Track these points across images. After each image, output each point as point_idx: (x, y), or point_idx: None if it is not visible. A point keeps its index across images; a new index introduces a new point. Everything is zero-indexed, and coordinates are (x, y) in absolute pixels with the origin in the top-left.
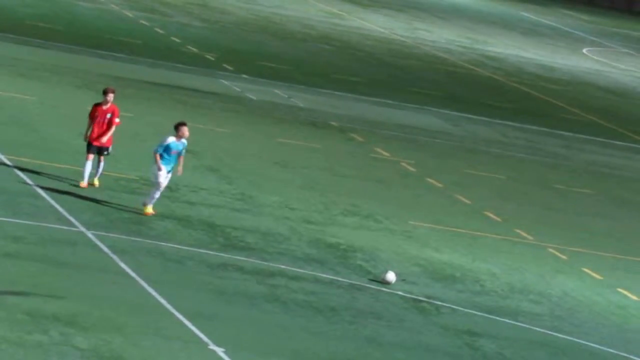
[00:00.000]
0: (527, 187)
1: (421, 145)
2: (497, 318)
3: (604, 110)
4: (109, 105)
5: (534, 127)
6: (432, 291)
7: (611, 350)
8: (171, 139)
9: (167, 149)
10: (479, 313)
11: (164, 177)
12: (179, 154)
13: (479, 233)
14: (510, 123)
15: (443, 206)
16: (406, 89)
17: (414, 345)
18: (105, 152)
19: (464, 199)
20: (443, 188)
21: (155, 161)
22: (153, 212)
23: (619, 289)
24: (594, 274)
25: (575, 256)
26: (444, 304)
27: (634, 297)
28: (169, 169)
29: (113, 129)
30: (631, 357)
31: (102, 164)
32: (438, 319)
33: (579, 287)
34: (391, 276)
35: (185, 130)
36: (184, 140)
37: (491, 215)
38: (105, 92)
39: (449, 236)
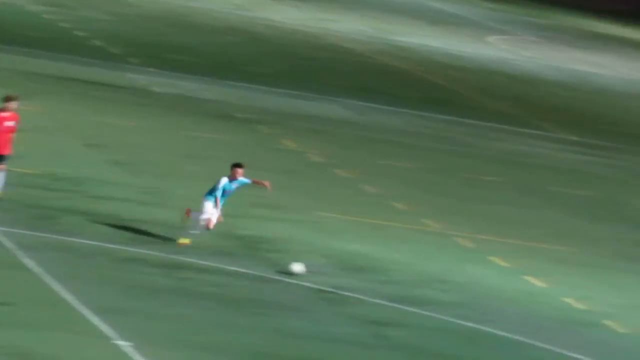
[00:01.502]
0: (434, 177)
1: (328, 136)
2: (405, 307)
3: (510, 98)
4: (11, 113)
5: (442, 116)
6: (339, 281)
7: (518, 338)
8: (224, 180)
9: (222, 191)
10: (387, 303)
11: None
12: (231, 193)
13: (386, 223)
14: (418, 112)
15: (350, 196)
16: (313, 79)
17: (322, 336)
18: (5, 161)
19: (371, 189)
20: (350, 178)
21: (216, 204)
22: (187, 242)
23: (526, 276)
24: (500, 262)
25: (482, 244)
26: (352, 294)
27: (540, 284)
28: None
29: (13, 135)
30: (537, 344)
31: (3, 173)
32: (346, 309)
33: (486, 275)
34: (298, 267)
35: (237, 173)
36: (241, 178)
37: (398, 205)
38: (8, 100)
39: (356, 226)
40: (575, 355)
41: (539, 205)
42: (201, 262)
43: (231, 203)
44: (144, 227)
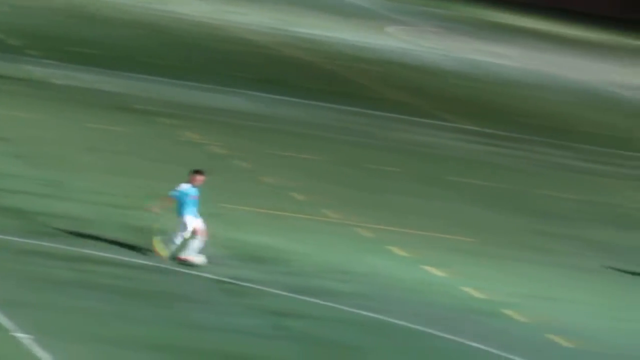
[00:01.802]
0: (336, 168)
1: (231, 128)
2: (305, 298)
3: (412, 89)
4: None
5: (344, 107)
6: (240, 272)
7: (418, 327)
8: (185, 186)
9: (185, 196)
10: (287, 293)
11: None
12: (196, 200)
13: (287, 214)
14: (320, 104)
15: (251, 188)
16: (217, 71)
17: (223, 328)
18: None
19: (272, 181)
20: (252, 170)
21: (164, 201)
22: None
23: (425, 266)
24: (400, 252)
25: (383, 234)
26: (252, 285)
27: (440, 274)
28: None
29: None
30: (437, 333)
31: None
32: (246, 300)
33: (386, 265)
34: (199, 259)
35: (196, 180)
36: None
37: (299, 196)
38: None
39: (257, 217)
40: (475, 345)
41: (440, 196)
42: (102, 254)
43: (130, 195)
44: (44, 220)
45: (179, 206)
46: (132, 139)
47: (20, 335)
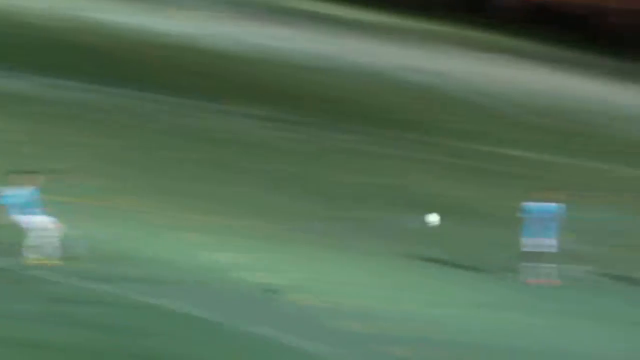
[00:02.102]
0: (127, 153)
1: (15, 113)
2: (93, 284)
3: (200, 73)
4: None
5: (133, 92)
6: (26, 260)
7: (202, 313)
8: (23, 190)
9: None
10: (76, 280)
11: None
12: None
13: (77, 200)
14: (109, 89)
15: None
16: (3, 57)
17: (9, 314)
18: None
19: (61, 166)
20: (40, 156)
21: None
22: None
23: (213, 252)
24: (189, 238)
25: (173, 220)
26: (39, 273)
27: (227, 259)
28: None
29: None
30: (222, 319)
31: None
32: (32, 287)
33: (175, 251)
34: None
35: (31, 180)
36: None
37: (90, 182)
38: None
39: (46, 204)
40: (262, 330)
41: (229, 181)
42: None
43: None
44: None
45: (16, 208)
46: None
47: None
